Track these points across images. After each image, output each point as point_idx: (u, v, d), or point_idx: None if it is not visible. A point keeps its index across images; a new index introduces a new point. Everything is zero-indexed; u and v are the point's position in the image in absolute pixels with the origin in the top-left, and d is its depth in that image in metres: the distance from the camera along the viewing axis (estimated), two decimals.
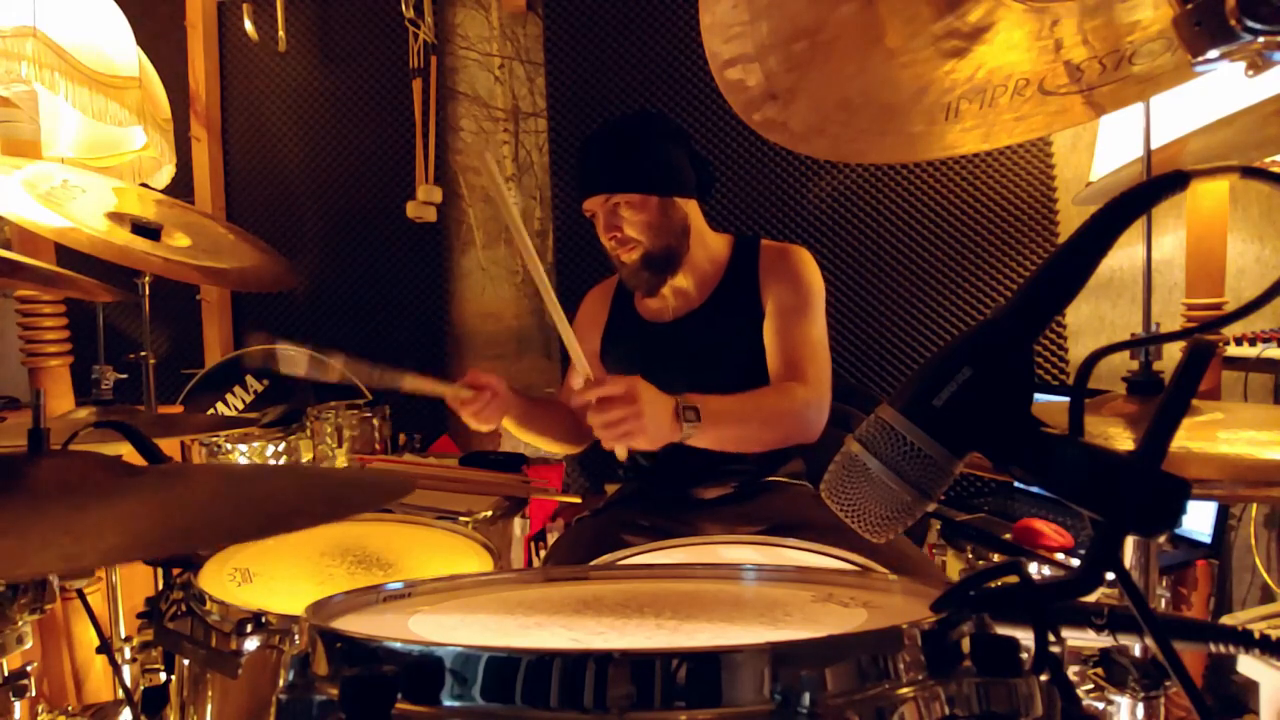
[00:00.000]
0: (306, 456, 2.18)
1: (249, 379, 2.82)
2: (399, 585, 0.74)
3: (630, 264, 1.66)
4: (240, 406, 2.81)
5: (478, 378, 1.62)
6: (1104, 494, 0.54)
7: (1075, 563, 1.79)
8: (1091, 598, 0.56)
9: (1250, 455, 0.85)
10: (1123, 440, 0.91)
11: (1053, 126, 1.05)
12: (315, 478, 0.97)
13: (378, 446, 2.13)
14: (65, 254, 1.71)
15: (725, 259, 1.73)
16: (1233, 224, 2.26)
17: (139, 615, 1.13)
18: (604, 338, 1.83)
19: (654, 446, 1.41)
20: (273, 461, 2.14)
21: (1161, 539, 1.67)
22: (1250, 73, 0.64)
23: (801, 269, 1.68)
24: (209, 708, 1.03)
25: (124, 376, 1.75)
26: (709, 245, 1.73)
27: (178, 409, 2.78)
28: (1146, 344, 1.02)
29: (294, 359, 1.43)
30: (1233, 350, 2.12)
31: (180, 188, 2.73)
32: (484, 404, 1.60)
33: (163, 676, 1.14)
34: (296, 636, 0.96)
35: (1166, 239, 2.35)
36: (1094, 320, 2.55)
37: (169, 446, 2.17)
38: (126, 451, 1.10)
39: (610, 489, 1.88)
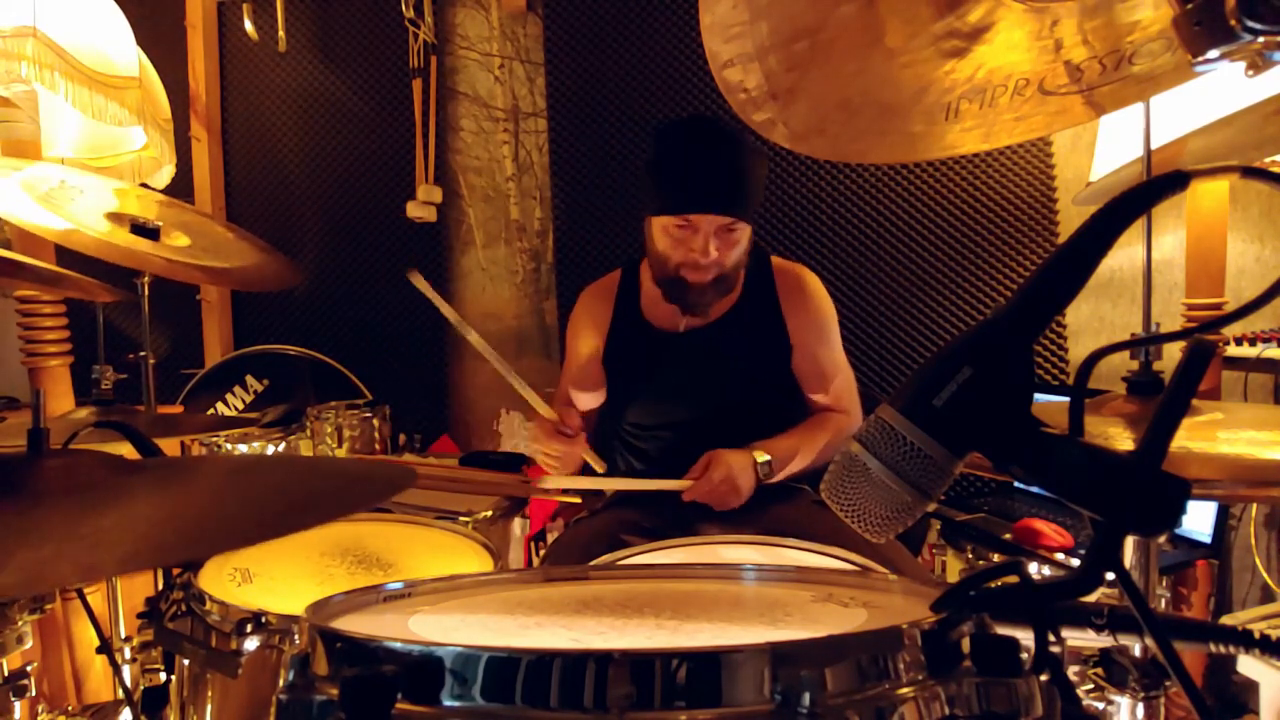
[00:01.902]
0: None
1: (249, 379, 2.82)
2: (399, 585, 0.74)
3: (698, 284, 1.59)
4: (240, 406, 2.81)
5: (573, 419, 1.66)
6: (1104, 494, 0.54)
7: (1075, 563, 1.79)
8: (1091, 598, 0.56)
9: (1250, 455, 0.85)
10: (1123, 440, 0.91)
11: (1053, 126, 1.05)
12: (319, 469, 0.97)
13: (378, 446, 2.13)
14: (65, 254, 1.71)
15: (740, 275, 1.70)
16: (1233, 224, 2.25)
17: (139, 615, 1.13)
18: (611, 339, 1.78)
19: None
20: None
21: (1161, 539, 1.67)
22: (1250, 73, 0.64)
23: (821, 300, 1.72)
24: (209, 708, 1.03)
25: (124, 376, 1.74)
26: None
27: (178, 409, 2.78)
28: (1146, 344, 1.02)
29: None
30: (1233, 350, 2.12)
31: (180, 188, 2.73)
32: (566, 447, 1.64)
33: (163, 676, 1.14)
34: (296, 636, 0.96)
35: (1166, 239, 2.34)
36: (1094, 320, 2.55)
37: (169, 446, 2.17)
38: (126, 452, 1.10)
39: None
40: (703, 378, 1.68)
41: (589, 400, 1.83)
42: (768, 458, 1.57)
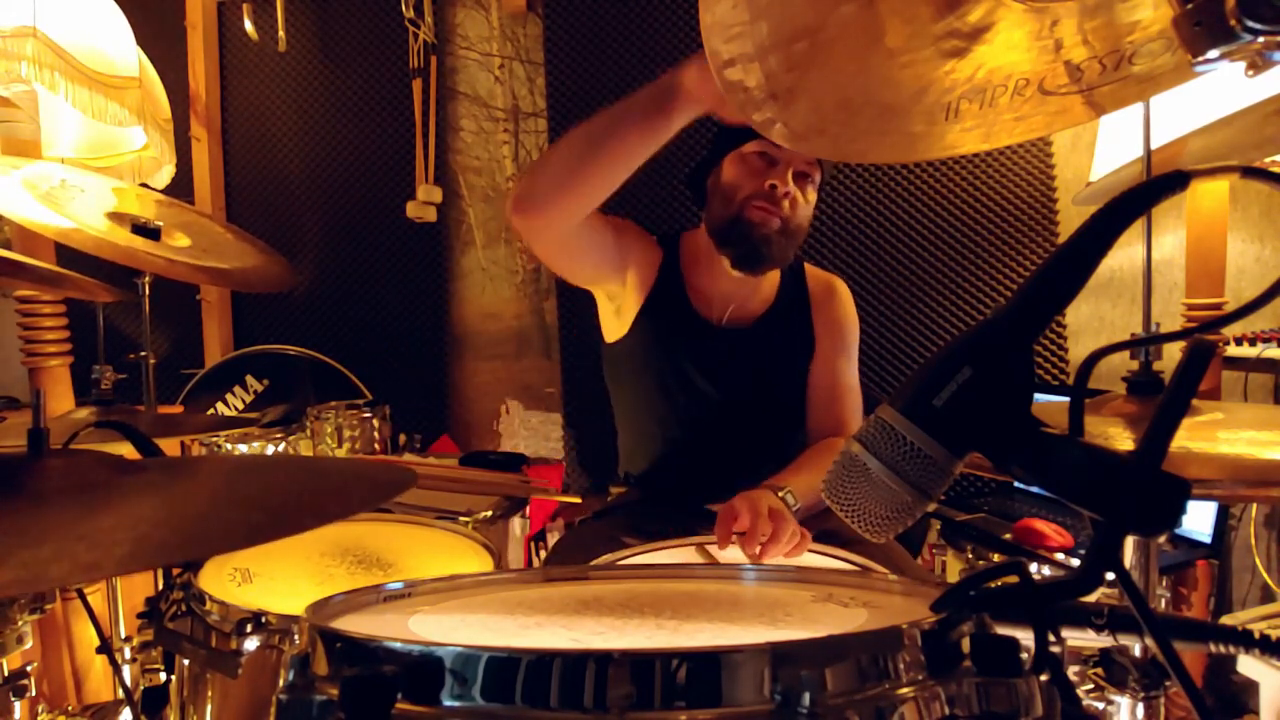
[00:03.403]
0: None
1: (249, 379, 2.82)
2: (399, 585, 0.74)
3: (763, 227, 1.49)
4: (240, 406, 2.81)
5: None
6: (1104, 494, 0.54)
7: (1075, 563, 1.79)
8: (1091, 598, 0.56)
9: (1250, 455, 0.85)
10: (1123, 440, 0.91)
11: (1053, 126, 1.05)
12: (319, 469, 0.97)
13: (378, 446, 2.13)
14: (65, 254, 1.71)
15: (776, 278, 1.69)
16: (1233, 224, 2.25)
17: (139, 615, 1.12)
18: (650, 303, 1.64)
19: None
20: None
21: (1161, 539, 1.67)
22: (1250, 73, 0.64)
23: (850, 312, 1.70)
24: (209, 708, 1.03)
25: (124, 376, 1.74)
26: None
27: (178, 409, 2.78)
28: (1146, 344, 1.02)
29: None
30: (1233, 350, 2.12)
31: (180, 188, 2.73)
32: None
33: (163, 676, 1.14)
34: (296, 636, 0.96)
35: (1166, 239, 2.34)
36: (1094, 320, 2.55)
37: (169, 446, 2.17)
38: (126, 452, 1.10)
39: (615, 491, 1.87)
40: (738, 379, 1.65)
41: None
42: (786, 489, 1.39)
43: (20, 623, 1.09)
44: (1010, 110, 1.02)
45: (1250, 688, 1.71)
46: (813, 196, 1.56)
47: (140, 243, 1.65)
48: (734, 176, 1.53)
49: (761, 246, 1.52)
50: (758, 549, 1.24)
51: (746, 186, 1.51)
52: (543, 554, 2.38)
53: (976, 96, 1.02)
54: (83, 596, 1.40)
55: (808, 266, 1.74)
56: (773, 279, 1.69)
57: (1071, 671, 1.04)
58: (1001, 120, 1.04)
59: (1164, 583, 1.93)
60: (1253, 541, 2.26)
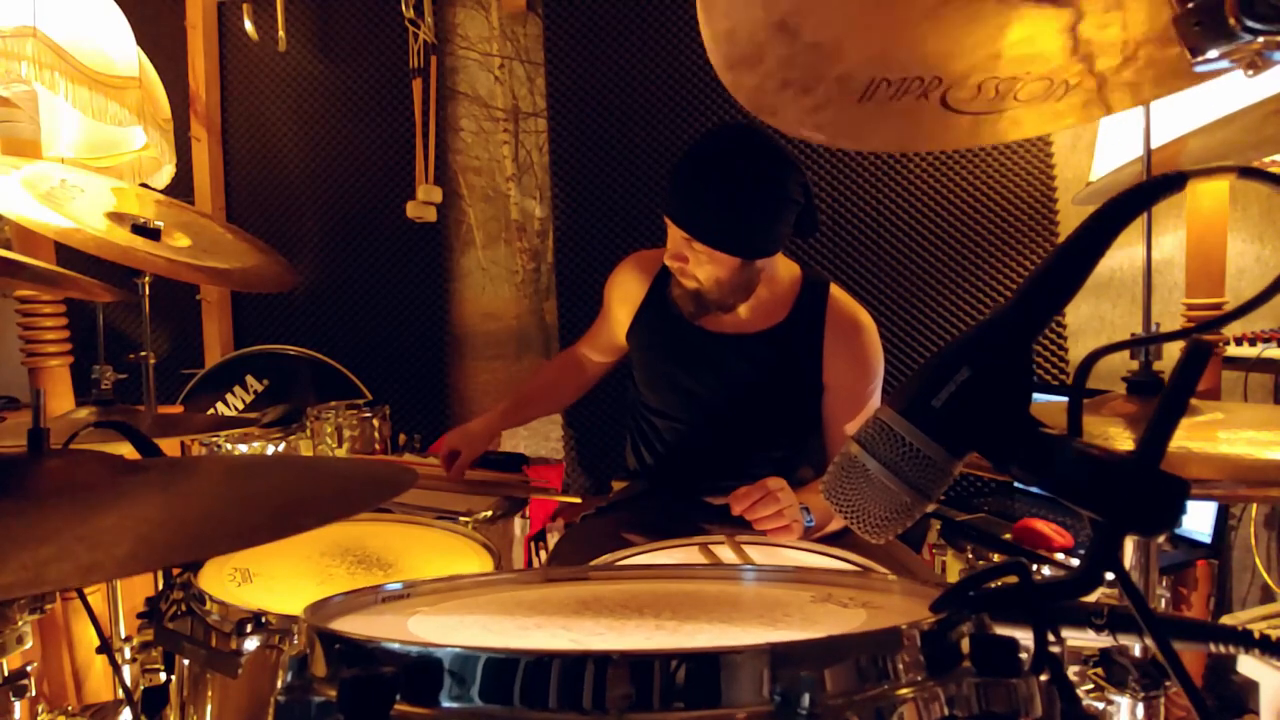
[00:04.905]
0: None
1: (249, 379, 2.82)
2: (398, 586, 0.74)
3: (683, 291, 1.57)
4: (240, 406, 2.81)
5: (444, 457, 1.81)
6: (1104, 494, 0.54)
7: (1075, 563, 1.79)
8: (1091, 598, 0.56)
9: (1250, 455, 0.85)
10: (1123, 440, 0.91)
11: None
12: (319, 469, 0.97)
13: (378, 446, 2.13)
14: (65, 254, 1.71)
15: (790, 297, 1.64)
16: (1233, 224, 2.25)
17: (139, 615, 1.13)
18: (639, 315, 1.74)
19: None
20: None
21: (1161, 539, 1.67)
22: (1250, 73, 0.64)
23: (874, 351, 1.63)
24: (209, 708, 1.03)
25: (124, 376, 1.74)
26: (776, 277, 1.63)
27: (178, 409, 2.78)
28: (1146, 344, 1.02)
29: None
30: (1233, 350, 2.12)
31: (180, 188, 2.73)
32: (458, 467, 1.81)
33: (163, 676, 1.14)
34: (296, 636, 0.96)
35: (1166, 239, 2.34)
36: (1094, 320, 2.55)
37: (169, 446, 2.17)
38: (126, 452, 1.10)
39: (617, 486, 1.88)
40: (723, 389, 1.66)
41: (600, 358, 1.95)
42: (803, 506, 1.45)
43: (20, 623, 1.09)
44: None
45: (1250, 688, 1.71)
46: (712, 260, 1.50)
47: (140, 243, 1.65)
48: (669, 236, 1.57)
49: (680, 302, 1.60)
50: (745, 506, 1.39)
51: (669, 246, 1.56)
52: (543, 554, 2.38)
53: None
54: (83, 596, 1.39)
55: (834, 293, 1.66)
56: (784, 296, 1.64)
57: (1071, 671, 1.04)
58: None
59: (1164, 583, 1.92)
60: (1253, 541, 2.26)
